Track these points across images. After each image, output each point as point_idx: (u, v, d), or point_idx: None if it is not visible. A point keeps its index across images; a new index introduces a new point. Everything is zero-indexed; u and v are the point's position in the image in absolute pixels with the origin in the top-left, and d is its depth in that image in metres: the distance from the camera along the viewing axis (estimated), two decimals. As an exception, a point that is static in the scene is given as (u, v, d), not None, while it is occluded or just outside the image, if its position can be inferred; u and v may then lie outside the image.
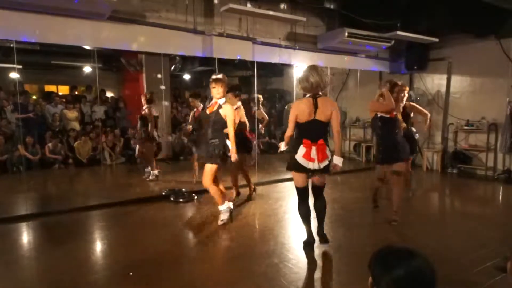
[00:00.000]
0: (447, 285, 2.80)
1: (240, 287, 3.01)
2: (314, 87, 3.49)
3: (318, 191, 3.74)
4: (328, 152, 3.52)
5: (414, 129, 5.48)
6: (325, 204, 3.77)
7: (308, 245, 3.72)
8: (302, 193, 3.71)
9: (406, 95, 4.87)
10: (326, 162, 3.50)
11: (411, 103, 5.57)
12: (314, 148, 3.44)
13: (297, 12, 6.85)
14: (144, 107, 6.88)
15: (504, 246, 3.72)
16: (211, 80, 4.31)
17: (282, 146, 3.76)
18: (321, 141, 3.46)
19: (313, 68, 3.54)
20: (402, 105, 4.80)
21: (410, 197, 5.83)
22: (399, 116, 4.62)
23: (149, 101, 6.90)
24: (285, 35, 7.08)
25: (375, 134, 4.74)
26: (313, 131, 3.47)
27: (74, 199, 5.83)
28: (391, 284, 1.16)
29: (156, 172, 7.02)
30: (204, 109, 5.22)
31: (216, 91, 4.27)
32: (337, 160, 3.52)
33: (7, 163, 7.72)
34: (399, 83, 4.82)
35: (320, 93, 3.55)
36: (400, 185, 4.50)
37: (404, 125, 4.81)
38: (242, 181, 5.83)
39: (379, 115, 4.44)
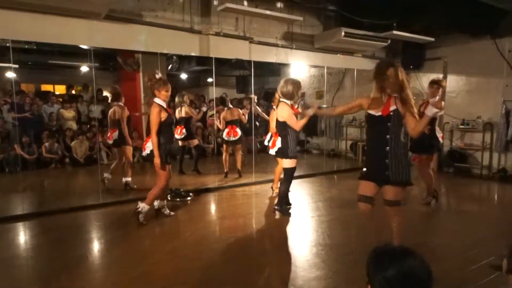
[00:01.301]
0: (442, 284, 2.83)
1: (237, 286, 3.02)
2: (280, 97, 4.67)
3: (283, 172, 4.84)
4: (278, 143, 4.62)
5: (438, 128, 5.30)
6: (283, 189, 4.79)
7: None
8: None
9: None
10: (275, 149, 4.67)
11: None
12: (272, 138, 4.79)
13: (294, 11, 6.87)
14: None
15: (499, 244, 3.75)
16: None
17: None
18: (274, 135, 4.75)
19: (282, 82, 4.64)
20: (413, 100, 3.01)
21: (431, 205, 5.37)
22: (410, 117, 2.93)
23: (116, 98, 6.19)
24: (282, 34, 7.10)
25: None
26: (276, 127, 4.77)
27: (71, 198, 5.83)
28: (383, 283, 1.17)
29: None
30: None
31: None
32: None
33: (3, 163, 7.70)
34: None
35: (289, 101, 4.64)
36: (399, 219, 3.15)
37: (416, 127, 2.93)
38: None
39: (367, 112, 3.16)
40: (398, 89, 2.96)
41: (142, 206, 4.49)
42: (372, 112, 3.09)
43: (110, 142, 6.20)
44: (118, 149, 6.26)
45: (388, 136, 2.99)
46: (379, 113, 3.04)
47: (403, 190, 3.11)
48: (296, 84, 4.63)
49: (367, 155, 3.30)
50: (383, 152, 3.01)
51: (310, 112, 3.93)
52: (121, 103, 6.10)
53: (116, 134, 6.05)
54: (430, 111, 2.85)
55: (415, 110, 2.95)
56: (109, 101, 6.57)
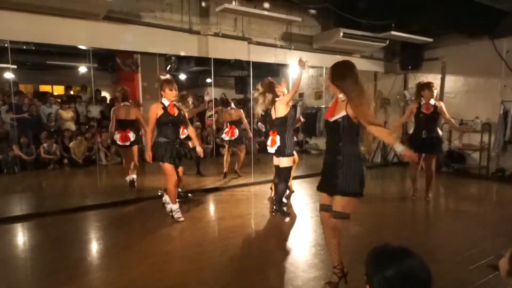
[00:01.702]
0: (441, 284, 2.83)
1: (237, 286, 3.02)
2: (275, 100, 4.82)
3: (276, 171, 4.87)
4: (277, 140, 4.65)
5: (439, 131, 5.41)
6: (281, 189, 4.81)
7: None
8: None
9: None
10: (275, 147, 4.68)
11: (440, 102, 5.38)
12: (270, 138, 4.78)
13: (292, 12, 6.87)
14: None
15: (497, 244, 3.77)
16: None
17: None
18: (272, 133, 4.77)
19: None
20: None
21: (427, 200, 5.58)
22: (365, 124, 2.62)
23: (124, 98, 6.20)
24: (281, 35, 7.10)
25: None
26: (273, 125, 4.82)
27: (69, 199, 5.82)
28: (383, 283, 1.17)
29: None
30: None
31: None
32: None
33: (2, 164, 7.68)
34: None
35: (277, 99, 4.81)
36: (339, 235, 2.89)
37: (377, 134, 2.68)
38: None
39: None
40: (341, 91, 2.67)
41: (170, 207, 4.70)
42: (327, 117, 2.83)
43: (127, 143, 6.06)
44: (126, 150, 6.25)
45: (340, 144, 2.71)
46: (330, 119, 2.77)
47: (353, 202, 2.76)
48: (264, 85, 4.84)
49: (323, 163, 2.94)
50: (335, 162, 2.73)
51: (301, 66, 4.66)
52: (127, 103, 6.10)
53: (132, 134, 6.05)
54: (398, 149, 2.66)
55: (371, 113, 2.62)
56: (115, 101, 6.53)
